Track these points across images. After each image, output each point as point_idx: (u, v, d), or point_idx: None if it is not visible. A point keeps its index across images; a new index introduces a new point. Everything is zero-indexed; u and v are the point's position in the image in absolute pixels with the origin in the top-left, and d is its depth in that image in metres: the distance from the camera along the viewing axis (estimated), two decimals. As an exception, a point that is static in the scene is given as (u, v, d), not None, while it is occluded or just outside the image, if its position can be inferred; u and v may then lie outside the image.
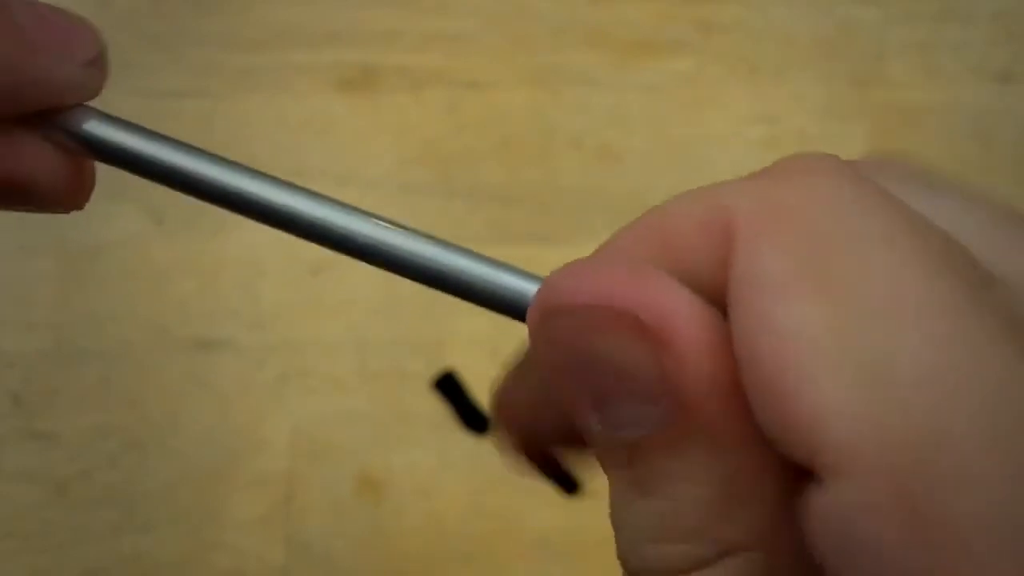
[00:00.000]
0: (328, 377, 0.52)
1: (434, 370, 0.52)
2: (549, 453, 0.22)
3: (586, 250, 0.15)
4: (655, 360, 0.13)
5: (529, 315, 0.14)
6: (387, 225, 0.17)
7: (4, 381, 0.52)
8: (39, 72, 0.16)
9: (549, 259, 0.17)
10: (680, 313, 0.13)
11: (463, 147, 0.56)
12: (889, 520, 0.11)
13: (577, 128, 0.57)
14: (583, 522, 0.51)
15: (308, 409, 0.52)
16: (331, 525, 0.51)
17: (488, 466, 0.51)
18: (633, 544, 0.14)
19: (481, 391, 0.52)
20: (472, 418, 0.52)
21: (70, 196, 0.17)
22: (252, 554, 0.50)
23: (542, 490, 0.52)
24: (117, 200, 0.53)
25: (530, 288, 0.16)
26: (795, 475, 0.12)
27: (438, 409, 0.52)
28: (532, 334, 0.14)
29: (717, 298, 0.13)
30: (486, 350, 0.53)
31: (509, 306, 0.16)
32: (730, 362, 0.13)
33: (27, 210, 0.18)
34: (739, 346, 0.13)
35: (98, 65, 0.17)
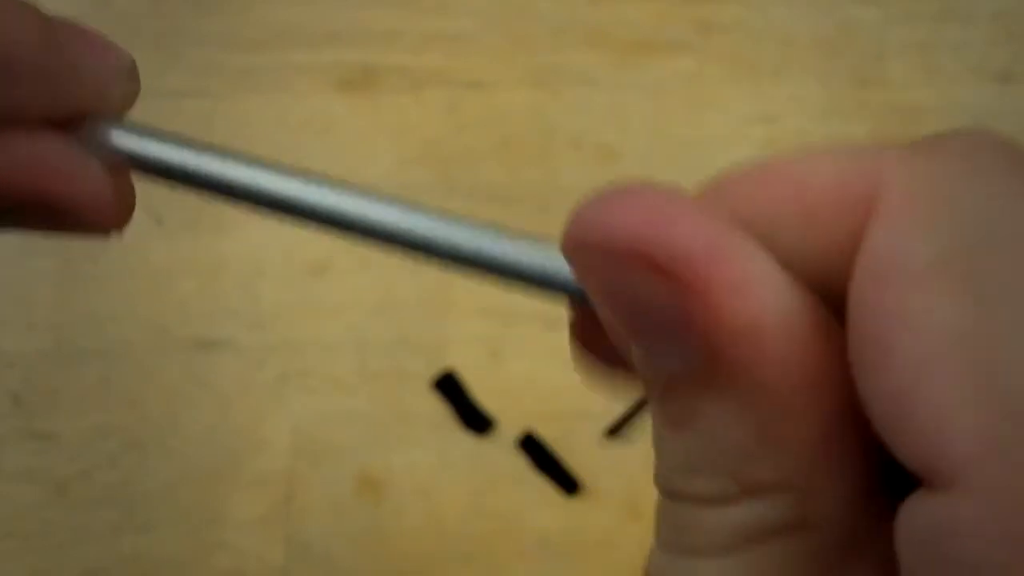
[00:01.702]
0: (328, 377, 0.52)
1: (434, 370, 0.52)
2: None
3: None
4: (679, 301, 0.12)
5: (562, 243, 0.14)
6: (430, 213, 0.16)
7: (4, 381, 0.52)
8: (81, 70, 0.17)
9: (549, 259, 0.17)
10: (710, 253, 0.12)
11: (463, 147, 0.56)
12: (996, 547, 0.10)
13: (577, 128, 0.57)
14: (583, 522, 0.51)
15: (308, 409, 0.52)
16: (331, 525, 0.51)
17: (488, 466, 0.51)
18: (664, 470, 0.14)
19: (481, 391, 0.52)
20: (472, 418, 0.52)
21: (109, 213, 0.17)
22: (252, 554, 0.50)
23: (542, 490, 0.52)
24: (117, 200, 0.53)
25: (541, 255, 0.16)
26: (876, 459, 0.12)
27: (438, 409, 0.52)
28: (567, 261, 0.14)
29: (820, 269, 0.13)
30: (486, 350, 0.53)
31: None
32: (770, 306, 0.12)
33: (69, 232, 0.18)
34: (857, 327, 0.12)
35: (133, 76, 0.18)
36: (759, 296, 0.12)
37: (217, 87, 0.57)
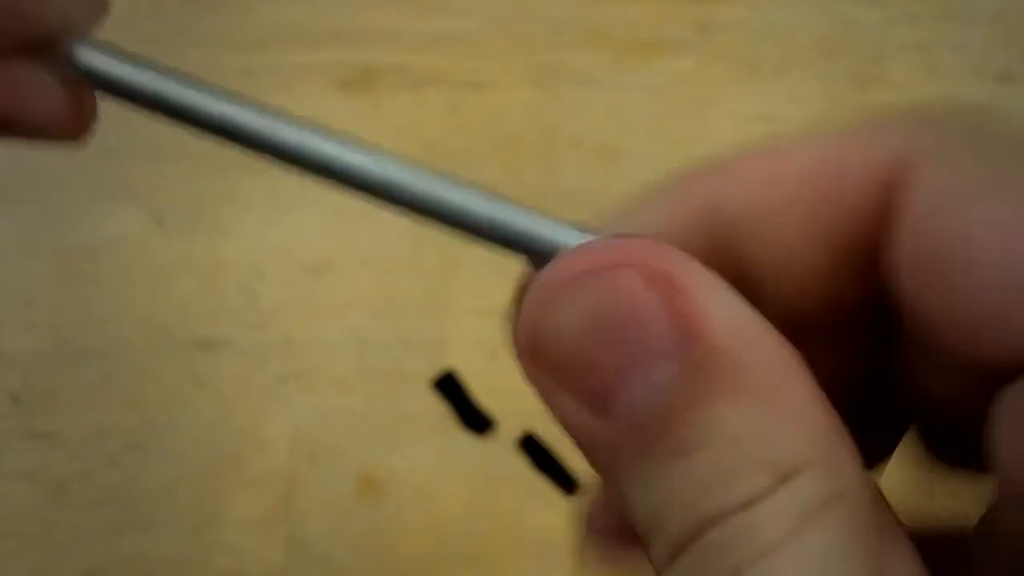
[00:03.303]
0: (328, 377, 0.52)
1: (434, 370, 0.52)
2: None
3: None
4: (667, 308, 0.13)
5: (524, 317, 0.15)
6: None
7: (4, 381, 0.52)
8: None
9: (549, 259, 0.17)
10: (678, 258, 0.14)
11: (463, 147, 0.56)
12: None
13: (577, 128, 0.57)
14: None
15: (308, 409, 0.52)
16: (331, 525, 0.51)
17: (488, 466, 0.51)
18: (686, 514, 0.13)
19: (481, 391, 0.52)
20: (472, 418, 0.52)
21: (69, 126, 0.17)
22: (252, 554, 0.50)
23: (543, 490, 0.52)
24: (117, 200, 0.53)
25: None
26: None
27: (438, 409, 0.52)
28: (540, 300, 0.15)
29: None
30: (486, 350, 0.53)
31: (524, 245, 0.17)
32: (741, 302, 0.13)
33: (26, 139, 0.17)
34: (921, 248, 0.14)
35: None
36: (727, 297, 0.14)
37: (217, 87, 0.57)
